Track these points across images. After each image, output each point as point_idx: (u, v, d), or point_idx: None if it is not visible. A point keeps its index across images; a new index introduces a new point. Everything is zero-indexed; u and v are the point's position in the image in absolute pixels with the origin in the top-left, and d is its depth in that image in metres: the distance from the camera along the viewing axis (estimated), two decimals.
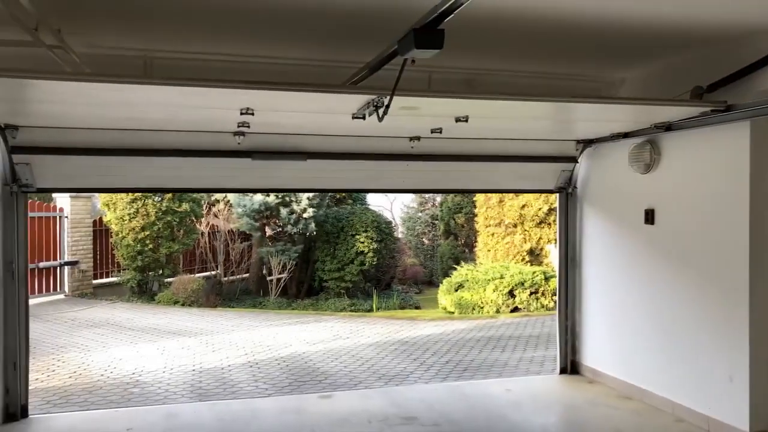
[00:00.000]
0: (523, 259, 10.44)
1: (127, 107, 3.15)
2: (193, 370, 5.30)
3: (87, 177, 4.02)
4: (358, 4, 2.75)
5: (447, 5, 2.01)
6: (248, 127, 3.48)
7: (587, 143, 4.52)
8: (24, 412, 3.84)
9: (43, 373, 5.17)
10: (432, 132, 3.79)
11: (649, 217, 4.02)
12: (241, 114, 3.18)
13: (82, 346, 6.30)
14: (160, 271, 9.86)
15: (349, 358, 5.84)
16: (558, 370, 4.89)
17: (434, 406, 4.12)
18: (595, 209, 4.65)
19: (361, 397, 4.43)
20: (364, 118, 3.16)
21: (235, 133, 3.70)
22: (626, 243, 4.28)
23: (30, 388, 3.98)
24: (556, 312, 5.00)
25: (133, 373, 5.18)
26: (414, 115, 3.34)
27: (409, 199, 15.11)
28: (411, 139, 4.02)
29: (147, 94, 2.85)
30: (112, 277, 10.24)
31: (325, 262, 10.14)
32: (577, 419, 3.99)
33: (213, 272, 10.43)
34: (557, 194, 4.87)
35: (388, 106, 2.85)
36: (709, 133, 3.53)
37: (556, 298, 5.05)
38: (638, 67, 3.99)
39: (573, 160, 4.68)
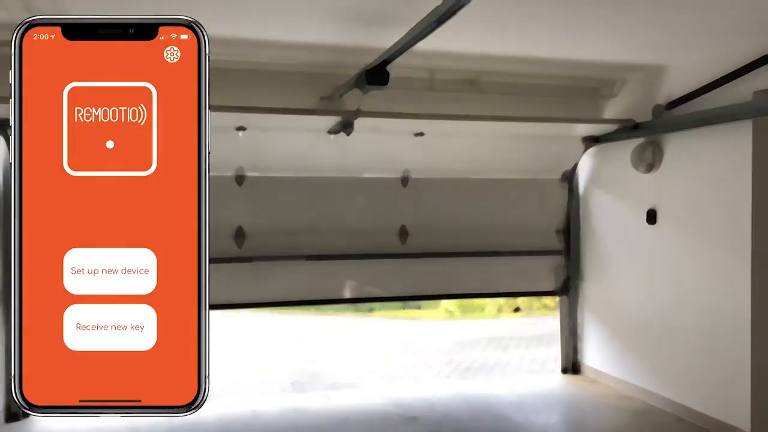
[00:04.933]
0: None
1: None
2: None
3: None
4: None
5: (387, 56, 2.80)
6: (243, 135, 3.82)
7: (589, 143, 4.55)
8: (26, 412, 3.85)
9: None
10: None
11: (652, 216, 4.01)
12: (236, 129, 3.79)
13: None
14: None
15: (351, 358, 5.84)
16: (560, 370, 4.88)
17: (436, 407, 4.12)
18: (596, 208, 4.65)
19: (363, 396, 4.43)
20: (338, 133, 3.84)
21: (237, 178, 4.07)
22: (628, 242, 4.28)
23: None
24: (558, 312, 5.00)
25: None
26: (378, 132, 3.97)
27: None
28: (400, 233, 4.46)
29: None
30: None
31: None
32: (579, 419, 3.99)
33: None
34: (559, 297, 4.94)
35: (352, 125, 3.61)
36: (711, 132, 3.53)
37: (558, 298, 5.05)
38: (638, 70, 3.99)
39: (559, 252, 4.79)
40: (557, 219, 4.76)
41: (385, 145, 4.20)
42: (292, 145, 4.06)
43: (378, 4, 2.59)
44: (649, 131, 3.94)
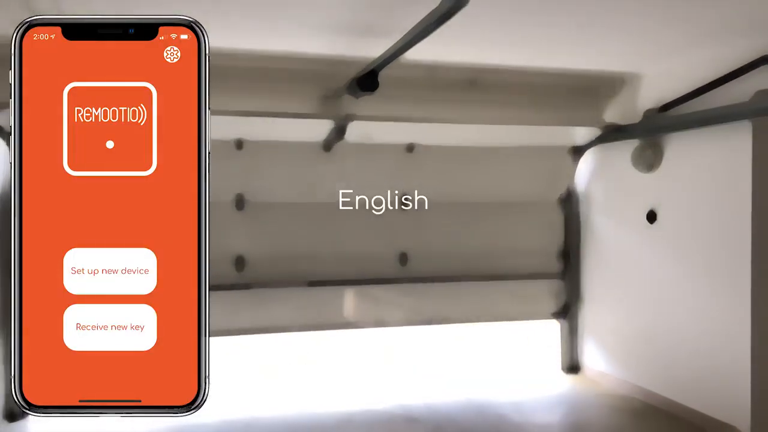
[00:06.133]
0: None
1: None
2: None
3: None
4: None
5: (380, 61, 2.93)
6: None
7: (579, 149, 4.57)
8: (25, 412, 3.86)
9: None
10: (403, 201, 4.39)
11: (652, 216, 4.02)
12: (237, 149, 3.93)
13: None
14: None
15: (349, 359, 5.84)
16: (560, 369, 4.89)
17: (435, 408, 4.12)
18: (597, 207, 4.65)
19: (362, 398, 4.44)
20: (331, 147, 4.00)
21: (236, 203, 4.07)
22: (629, 242, 4.28)
23: None
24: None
25: None
26: (371, 143, 4.09)
27: None
28: (401, 258, 4.48)
29: None
30: None
31: None
32: (579, 419, 3.99)
33: None
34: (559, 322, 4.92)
35: (345, 130, 3.76)
36: (711, 132, 3.53)
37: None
38: (632, 74, 3.99)
39: (559, 275, 4.79)
40: (557, 240, 4.76)
41: (379, 167, 4.21)
42: (291, 168, 4.09)
43: (375, 13, 2.60)
44: (631, 134, 3.97)
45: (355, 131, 3.84)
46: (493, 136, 4.30)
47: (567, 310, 4.81)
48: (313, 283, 4.29)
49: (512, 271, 4.62)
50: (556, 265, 4.75)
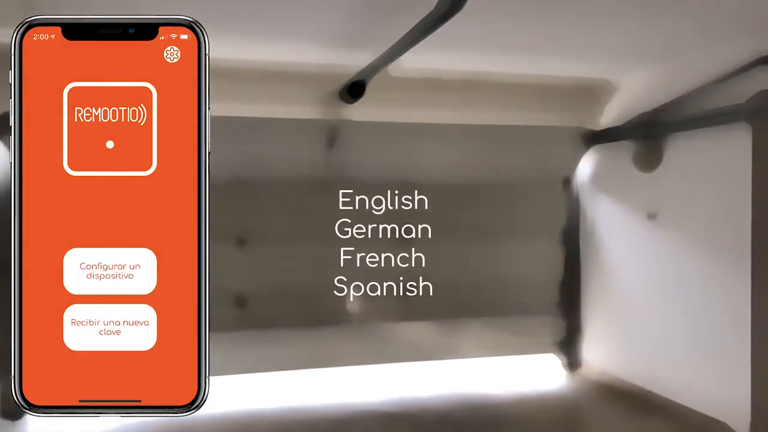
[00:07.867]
0: None
1: None
2: None
3: None
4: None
5: (366, 74, 2.87)
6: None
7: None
8: (24, 412, 3.87)
9: None
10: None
11: (652, 216, 4.02)
12: (236, 187, 3.94)
13: None
14: None
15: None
16: (560, 369, 4.89)
17: (435, 407, 4.12)
18: (598, 205, 4.66)
19: (362, 397, 4.44)
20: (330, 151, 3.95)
21: (237, 242, 3.98)
22: (629, 241, 4.29)
23: None
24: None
25: None
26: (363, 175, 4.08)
27: None
28: (400, 292, 4.31)
29: None
30: None
31: None
32: (578, 419, 3.99)
33: None
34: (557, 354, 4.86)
35: (336, 139, 3.74)
36: (711, 133, 3.54)
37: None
38: (638, 69, 4.00)
39: (558, 309, 4.70)
40: (557, 274, 4.73)
41: (377, 189, 4.22)
42: (288, 204, 4.09)
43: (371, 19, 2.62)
44: (630, 137, 3.96)
45: (351, 150, 3.85)
46: (488, 171, 4.29)
47: (569, 339, 4.79)
48: (313, 321, 4.28)
49: (512, 305, 4.59)
50: (556, 296, 4.72)
